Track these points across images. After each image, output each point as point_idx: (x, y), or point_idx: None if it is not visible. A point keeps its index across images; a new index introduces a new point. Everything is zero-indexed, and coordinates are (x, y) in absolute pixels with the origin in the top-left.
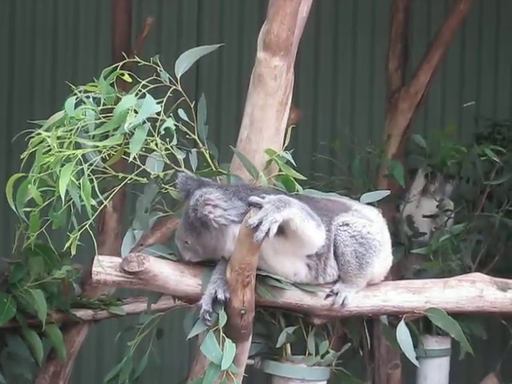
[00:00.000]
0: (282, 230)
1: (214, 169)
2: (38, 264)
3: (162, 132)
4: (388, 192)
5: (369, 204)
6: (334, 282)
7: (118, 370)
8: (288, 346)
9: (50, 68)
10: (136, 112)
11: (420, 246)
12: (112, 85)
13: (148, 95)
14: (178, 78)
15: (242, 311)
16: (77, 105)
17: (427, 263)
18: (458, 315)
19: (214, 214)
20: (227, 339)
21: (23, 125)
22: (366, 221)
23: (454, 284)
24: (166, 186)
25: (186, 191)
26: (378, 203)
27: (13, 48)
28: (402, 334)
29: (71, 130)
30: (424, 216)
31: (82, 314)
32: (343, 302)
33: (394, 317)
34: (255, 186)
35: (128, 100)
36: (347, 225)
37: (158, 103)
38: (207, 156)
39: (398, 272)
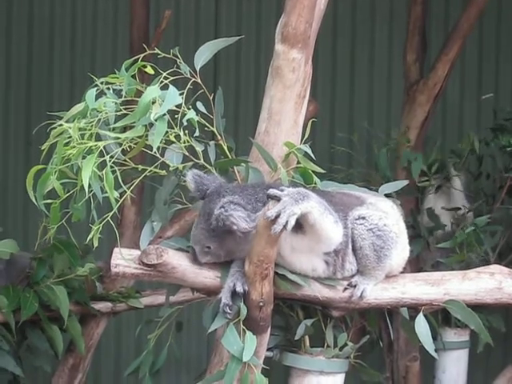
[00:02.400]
0: (300, 226)
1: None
2: (63, 261)
3: (185, 124)
4: (407, 182)
5: (387, 196)
6: (352, 276)
7: (138, 363)
8: (306, 338)
9: (69, 61)
10: (159, 103)
11: (439, 239)
12: (133, 77)
13: (171, 86)
14: (197, 70)
15: (261, 303)
16: (97, 97)
17: (452, 257)
18: (477, 307)
19: (238, 226)
20: (248, 332)
21: (42, 117)
22: (381, 213)
23: (473, 276)
24: (185, 179)
25: (201, 191)
26: (397, 195)
27: (31, 41)
28: (421, 326)
29: (92, 121)
30: (443, 208)
31: (101, 306)
32: (361, 294)
33: (413, 309)
34: (272, 183)
35: (152, 91)
36: (363, 218)
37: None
38: (225, 148)
39: (417, 264)
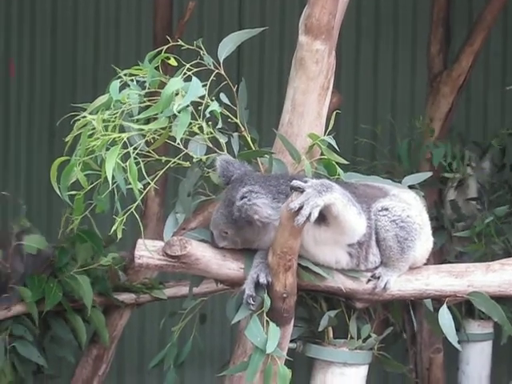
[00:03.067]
0: (324, 218)
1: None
2: (86, 250)
3: (208, 115)
4: (430, 174)
5: (411, 187)
6: (376, 267)
7: (162, 355)
8: (330, 329)
9: (92, 53)
10: (182, 95)
11: (461, 231)
12: (157, 68)
13: (195, 78)
14: (221, 61)
15: (284, 295)
16: (120, 88)
17: (470, 246)
18: (500, 299)
19: (259, 216)
20: (271, 323)
21: (66, 109)
22: (404, 204)
23: (497, 268)
24: (209, 170)
25: (226, 177)
26: (421, 187)
27: (55, 33)
28: (444, 317)
29: (116, 113)
30: (467, 199)
31: (125, 297)
32: (385, 285)
33: (436, 301)
34: (296, 175)
35: (175, 83)
36: (386, 209)
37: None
38: (248, 140)
39: (440, 256)
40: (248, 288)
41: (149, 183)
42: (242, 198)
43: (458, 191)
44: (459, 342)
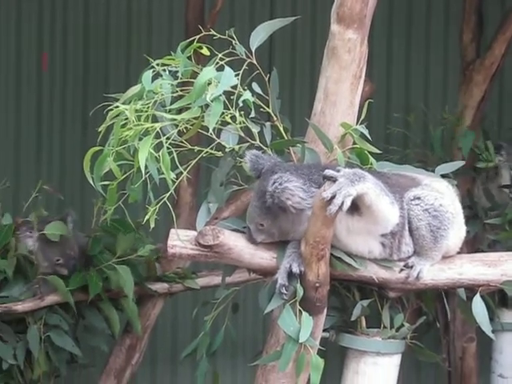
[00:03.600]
0: (357, 208)
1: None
2: (126, 241)
3: (240, 105)
4: (463, 163)
5: (444, 176)
6: (409, 257)
7: (194, 345)
8: (363, 319)
9: (125, 42)
10: (215, 84)
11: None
12: (189, 58)
13: (227, 67)
14: (253, 51)
15: (317, 284)
16: (153, 78)
17: (502, 234)
18: None
19: (292, 201)
20: (304, 312)
21: (98, 99)
22: (437, 193)
23: None
24: (241, 160)
25: (257, 170)
26: (454, 176)
27: (87, 23)
28: (478, 307)
29: (148, 103)
30: (499, 187)
31: (158, 287)
32: (418, 275)
33: (470, 290)
34: (328, 164)
35: (208, 72)
36: (419, 198)
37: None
38: (281, 129)
39: (473, 245)
40: (281, 277)
41: (181, 173)
42: (273, 183)
43: (491, 179)
44: (493, 332)
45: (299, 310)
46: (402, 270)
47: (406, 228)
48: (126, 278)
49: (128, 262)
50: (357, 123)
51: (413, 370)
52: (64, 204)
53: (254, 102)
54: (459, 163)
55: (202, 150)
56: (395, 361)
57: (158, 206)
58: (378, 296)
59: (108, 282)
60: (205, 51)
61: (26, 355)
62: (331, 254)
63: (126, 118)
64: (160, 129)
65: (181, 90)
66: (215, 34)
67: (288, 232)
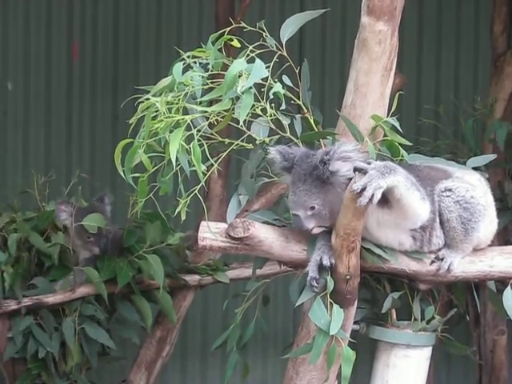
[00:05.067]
0: (387, 201)
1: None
2: (155, 230)
3: (271, 97)
4: (494, 156)
5: (475, 169)
6: (439, 249)
7: (225, 337)
8: (393, 311)
9: (155, 35)
10: (245, 76)
11: None
12: (219, 50)
13: (258, 60)
14: (284, 43)
15: (348, 277)
16: (184, 70)
17: None
18: None
19: (341, 171)
20: (334, 305)
21: (129, 92)
22: (468, 185)
23: None
24: (268, 156)
25: (289, 160)
26: (485, 167)
27: (117, 16)
28: (509, 299)
29: (179, 95)
30: None
31: (189, 279)
32: (449, 267)
33: (500, 282)
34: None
35: (238, 64)
36: (450, 190)
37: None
38: (311, 121)
39: (504, 237)
40: (311, 270)
41: (212, 165)
42: (326, 154)
43: None
44: None
45: (330, 303)
46: (432, 262)
47: (437, 220)
48: (156, 268)
49: (158, 252)
50: (387, 115)
51: (443, 363)
52: (94, 196)
53: (284, 94)
54: (491, 156)
55: (233, 143)
56: (426, 353)
57: (188, 198)
58: (409, 288)
59: (140, 272)
60: (235, 43)
61: (60, 346)
62: (362, 246)
63: (157, 110)
64: (191, 121)
65: (211, 83)
66: (245, 26)
67: (338, 211)
